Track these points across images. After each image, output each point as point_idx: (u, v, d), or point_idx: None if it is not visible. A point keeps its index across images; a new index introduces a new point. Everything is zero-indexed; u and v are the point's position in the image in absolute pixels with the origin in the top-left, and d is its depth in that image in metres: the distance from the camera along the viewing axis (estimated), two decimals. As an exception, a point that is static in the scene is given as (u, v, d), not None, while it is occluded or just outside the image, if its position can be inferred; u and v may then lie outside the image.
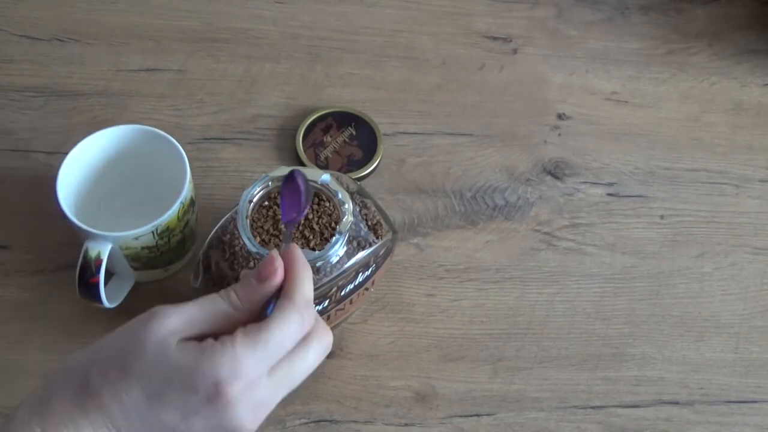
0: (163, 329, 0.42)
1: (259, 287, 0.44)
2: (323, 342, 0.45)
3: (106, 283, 0.62)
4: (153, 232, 0.62)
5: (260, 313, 0.45)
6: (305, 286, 0.45)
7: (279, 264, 0.45)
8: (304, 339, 0.45)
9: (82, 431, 0.41)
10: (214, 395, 0.41)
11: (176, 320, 0.42)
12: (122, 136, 0.66)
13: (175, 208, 0.62)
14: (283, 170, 0.58)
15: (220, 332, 0.43)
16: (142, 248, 0.63)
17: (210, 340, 0.42)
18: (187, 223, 0.66)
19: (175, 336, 0.42)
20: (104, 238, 0.60)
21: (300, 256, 0.46)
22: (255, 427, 0.43)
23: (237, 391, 0.41)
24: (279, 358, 0.43)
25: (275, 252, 0.46)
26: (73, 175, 0.65)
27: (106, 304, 0.62)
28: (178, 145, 0.64)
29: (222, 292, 0.44)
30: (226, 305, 0.44)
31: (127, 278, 0.67)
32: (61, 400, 0.41)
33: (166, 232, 0.63)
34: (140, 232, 0.61)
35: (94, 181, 0.67)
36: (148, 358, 0.41)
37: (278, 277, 0.45)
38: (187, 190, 0.63)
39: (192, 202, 0.66)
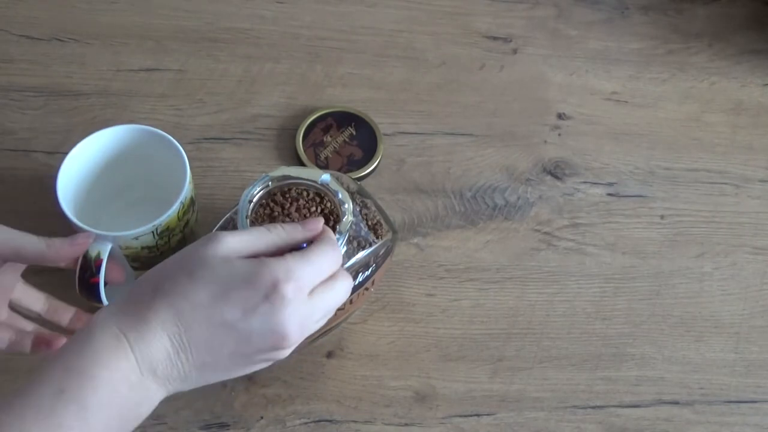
0: (225, 248, 0.48)
1: (302, 231, 0.52)
2: (346, 281, 0.52)
3: (106, 283, 0.62)
4: (153, 232, 0.62)
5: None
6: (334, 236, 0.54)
7: (321, 223, 0.53)
8: (333, 276, 0.51)
9: (151, 324, 0.46)
10: (272, 291, 0.47)
11: (234, 242, 0.49)
12: (122, 136, 0.66)
13: (175, 208, 0.62)
14: (283, 170, 0.58)
15: (263, 254, 0.50)
16: (142, 248, 0.63)
17: (265, 257, 0.49)
18: (187, 223, 0.66)
19: (235, 253, 0.48)
20: (104, 238, 0.60)
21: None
22: (297, 341, 0.49)
23: (290, 290, 0.47)
24: (317, 280, 0.50)
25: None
26: (73, 174, 0.65)
27: (106, 303, 0.62)
28: (178, 144, 0.64)
29: (270, 225, 0.51)
30: (274, 236, 0.50)
31: (128, 278, 0.67)
32: (134, 303, 0.47)
33: (166, 232, 0.63)
34: (140, 232, 0.61)
35: (94, 181, 0.67)
36: (216, 269, 0.47)
37: (318, 229, 0.52)
38: (187, 190, 0.63)
39: (192, 201, 0.66)
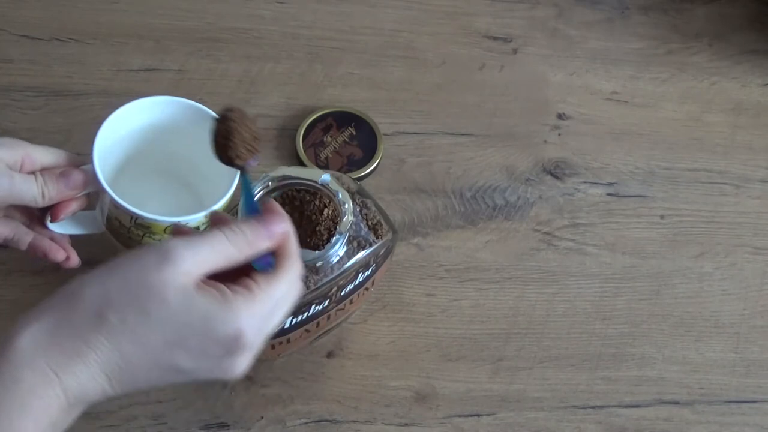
0: (181, 275, 0.42)
1: (266, 240, 0.45)
2: (296, 296, 0.47)
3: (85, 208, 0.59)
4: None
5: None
6: (297, 247, 0.47)
7: (288, 225, 0.46)
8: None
9: (89, 364, 0.41)
10: (234, 343, 0.43)
11: (190, 263, 0.42)
12: (167, 109, 0.63)
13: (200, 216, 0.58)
14: (283, 170, 0.58)
15: (222, 270, 0.44)
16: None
17: (227, 290, 0.43)
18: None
19: (192, 279, 0.42)
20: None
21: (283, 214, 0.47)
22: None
23: (251, 339, 0.43)
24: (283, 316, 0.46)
25: (280, 209, 0.46)
26: (109, 142, 0.60)
27: (48, 222, 0.59)
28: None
29: (229, 232, 0.44)
30: (234, 250, 0.44)
31: (94, 225, 0.63)
32: (69, 335, 0.41)
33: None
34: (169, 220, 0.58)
35: (127, 154, 0.63)
36: (172, 307, 0.41)
37: (284, 235, 0.46)
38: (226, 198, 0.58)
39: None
